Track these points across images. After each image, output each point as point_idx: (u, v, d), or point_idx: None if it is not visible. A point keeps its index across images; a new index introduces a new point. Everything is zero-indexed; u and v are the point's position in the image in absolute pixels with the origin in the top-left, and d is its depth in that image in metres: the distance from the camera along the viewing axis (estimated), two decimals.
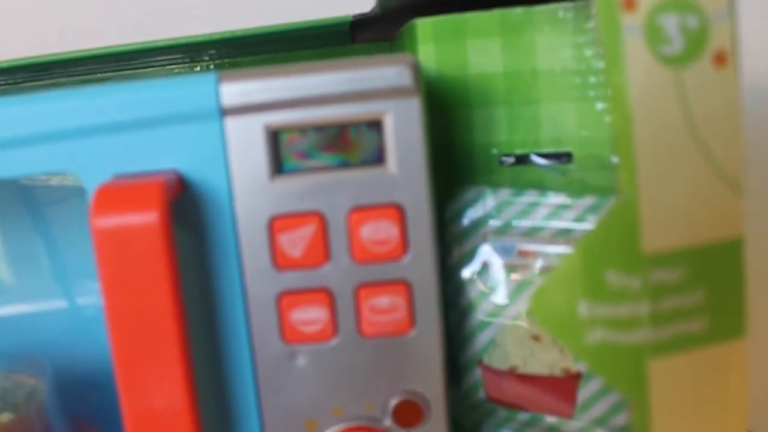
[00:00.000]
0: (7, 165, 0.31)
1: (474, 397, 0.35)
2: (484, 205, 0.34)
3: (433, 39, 0.36)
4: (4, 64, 0.42)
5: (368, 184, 0.30)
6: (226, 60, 0.48)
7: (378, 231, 0.30)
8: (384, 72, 0.30)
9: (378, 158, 0.31)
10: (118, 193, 0.29)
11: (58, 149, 0.31)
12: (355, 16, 0.39)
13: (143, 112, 0.30)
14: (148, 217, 0.28)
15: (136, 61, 0.46)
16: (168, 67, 0.48)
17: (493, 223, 0.34)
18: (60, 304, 0.44)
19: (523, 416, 0.34)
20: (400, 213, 0.30)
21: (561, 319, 0.26)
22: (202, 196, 0.30)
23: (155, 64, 0.47)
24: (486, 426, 0.35)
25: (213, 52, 0.46)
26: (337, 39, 0.46)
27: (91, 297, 0.44)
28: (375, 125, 0.30)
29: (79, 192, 0.43)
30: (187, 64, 0.48)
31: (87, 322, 0.44)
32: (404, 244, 0.31)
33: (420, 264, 0.31)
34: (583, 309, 0.26)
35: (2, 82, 0.46)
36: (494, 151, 0.35)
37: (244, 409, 0.32)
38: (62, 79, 0.47)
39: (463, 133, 0.36)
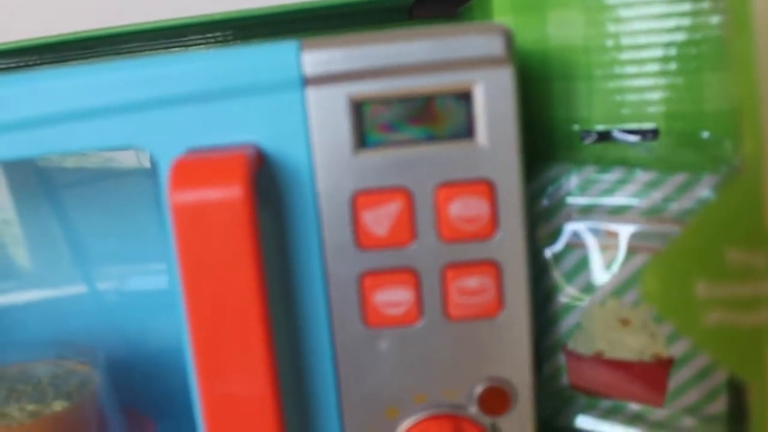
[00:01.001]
0: (71, 138, 0.29)
1: (555, 384, 0.34)
2: (567, 183, 0.33)
3: (511, 10, 0.34)
4: (49, 40, 0.40)
5: (457, 159, 0.29)
6: (273, 39, 0.46)
7: (467, 208, 0.29)
8: (474, 40, 0.28)
9: (467, 131, 0.29)
10: (198, 166, 0.27)
11: (127, 122, 0.29)
12: None
13: (219, 83, 0.29)
14: (231, 192, 0.26)
15: (184, 38, 0.44)
16: (213, 44, 0.47)
17: (578, 201, 0.32)
18: (110, 290, 0.43)
19: (605, 404, 0.33)
20: (490, 189, 0.29)
21: (675, 301, 0.24)
22: (282, 170, 0.29)
23: (200, 41, 0.46)
24: (565, 413, 0.34)
25: (259, 29, 0.45)
26: (394, 15, 0.44)
27: (146, 284, 0.42)
28: (463, 96, 0.29)
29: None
30: (230, 42, 0.47)
31: (139, 310, 0.42)
32: (494, 222, 0.29)
33: (510, 243, 0.29)
34: (701, 289, 0.24)
35: (50, 59, 0.44)
36: (575, 126, 0.34)
37: (322, 396, 0.30)
38: (109, 56, 0.45)
39: (542, 108, 0.34)
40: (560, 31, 0.34)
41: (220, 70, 0.29)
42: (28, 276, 0.43)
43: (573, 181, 0.33)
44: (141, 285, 0.42)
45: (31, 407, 0.38)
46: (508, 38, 0.29)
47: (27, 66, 0.47)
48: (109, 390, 0.40)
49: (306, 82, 0.28)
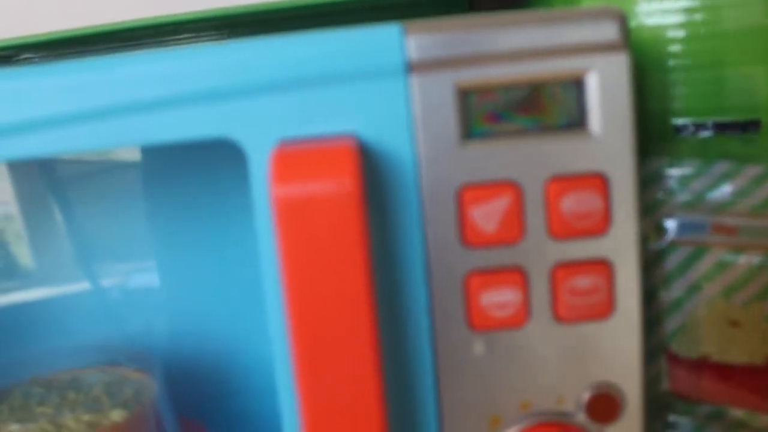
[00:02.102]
0: (155, 129, 0.27)
1: (655, 389, 0.32)
2: (667, 178, 0.31)
3: None
4: (82, 32, 0.38)
5: (568, 151, 0.27)
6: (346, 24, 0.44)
7: (580, 203, 0.27)
8: (588, 25, 0.27)
9: (579, 121, 0.27)
10: (303, 158, 0.25)
11: (215, 111, 0.27)
12: None
13: (314, 69, 0.27)
14: (340, 185, 0.24)
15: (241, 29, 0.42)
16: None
17: (680, 197, 0.31)
18: (162, 295, 0.40)
19: (705, 409, 0.31)
20: (604, 183, 0.27)
21: None
22: (384, 162, 0.27)
23: (264, 30, 0.44)
24: (662, 418, 0.32)
25: (312, 20, 0.43)
26: (453, 6, 0.43)
27: (200, 290, 0.40)
28: (575, 84, 0.27)
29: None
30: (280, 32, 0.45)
31: (192, 313, 0.40)
32: (607, 218, 0.27)
33: (623, 241, 0.28)
34: None
35: (91, 50, 0.42)
36: (673, 118, 0.32)
37: (422, 402, 0.28)
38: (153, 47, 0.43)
39: (637, 99, 0.33)
40: (654, 19, 0.32)
41: (316, 55, 0.27)
42: (75, 280, 0.41)
43: (673, 175, 0.31)
44: (193, 290, 0.40)
45: (87, 417, 0.35)
46: (623, 22, 0.27)
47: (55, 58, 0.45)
48: (166, 398, 0.38)
49: (410, 68, 0.27)
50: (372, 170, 0.27)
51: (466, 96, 0.27)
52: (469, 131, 0.27)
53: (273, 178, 0.24)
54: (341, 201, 0.24)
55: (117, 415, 0.35)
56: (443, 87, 0.27)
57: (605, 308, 0.28)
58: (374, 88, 0.27)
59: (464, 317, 0.28)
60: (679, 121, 0.32)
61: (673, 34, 0.31)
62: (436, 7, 0.43)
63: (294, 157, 0.25)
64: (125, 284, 0.40)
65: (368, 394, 0.25)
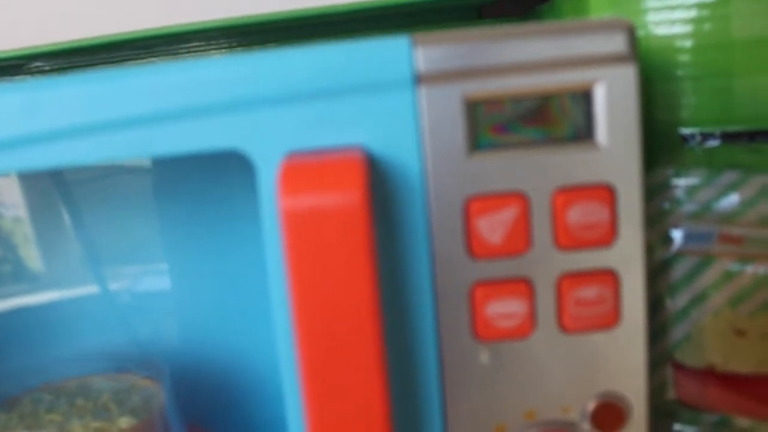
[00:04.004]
0: (163, 141, 0.27)
1: (660, 398, 0.32)
2: (674, 188, 0.31)
3: (610, 7, 0.33)
4: (91, 42, 0.38)
5: (575, 162, 0.27)
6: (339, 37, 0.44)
7: (586, 214, 0.27)
8: (596, 37, 0.27)
9: (586, 132, 0.27)
10: (311, 170, 0.25)
11: (224, 123, 0.27)
12: None
13: (323, 81, 0.27)
14: (348, 198, 0.24)
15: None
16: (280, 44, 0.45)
17: (687, 207, 0.31)
18: (168, 302, 0.41)
19: (710, 418, 0.31)
20: (611, 194, 0.27)
21: None
22: (391, 173, 0.27)
23: (274, 39, 0.44)
24: (667, 427, 0.32)
25: (321, 28, 0.43)
26: (463, 14, 0.43)
27: (207, 297, 0.40)
28: (582, 96, 0.27)
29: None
30: (292, 42, 0.45)
31: (200, 321, 0.41)
32: (613, 229, 0.27)
33: (628, 251, 0.28)
34: None
35: (102, 59, 0.42)
36: (680, 128, 0.32)
37: (427, 410, 0.29)
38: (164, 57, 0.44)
39: (644, 109, 0.33)
40: (663, 29, 0.32)
41: (325, 67, 0.27)
42: (84, 284, 0.41)
43: (680, 185, 0.31)
44: (202, 296, 0.40)
45: (95, 425, 0.36)
46: (631, 34, 0.27)
47: (72, 68, 0.45)
48: (174, 405, 0.38)
49: (418, 79, 0.27)
50: (379, 181, 0.27)
51: (473, 108, 0.27)
52: (476, 142, 0.27)
53: (281, 190, 0.25)
54: (348, 213, 0.25)
55: (125, 423, 0.35)
56: (451, 99, 0.27)
57: (611, 318, 0.28)
58: (382, 99, 0.27)
59: (470, 327, 0.28)
60: (687, 130, 0.32)
61: (681, 43, 0.32)
62: (445, 16, 0.43)
63: (302, 170, 0.25)
64: (133, 289, 0.41)
65: (374, 403, 0.26)
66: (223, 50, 0.45)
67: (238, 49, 0.45)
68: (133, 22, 0.38)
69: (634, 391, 0.29)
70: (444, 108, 0.27)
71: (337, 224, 0.25)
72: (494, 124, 0.27)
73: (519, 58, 0.27)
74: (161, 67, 0.28)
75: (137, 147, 0.27)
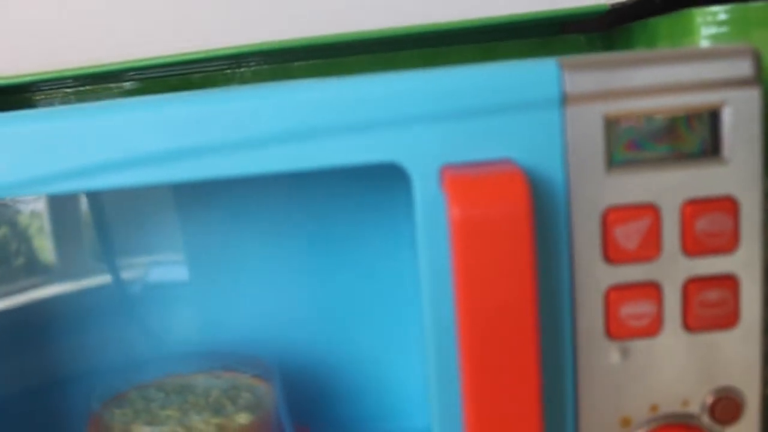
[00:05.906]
0: (324, 153, 0.30)
1: None
2: None
3: (715, 27, 0.35)
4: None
5: (703, 176, 0.30)
6: (428, 50, 0.46)
7: (712, 224, 0.30)
8: (724, 62, 0.29)
9: (712, 149, 0.30)
10: (478, 182, 0.27)
11: (383, 138, 0.29)
12: (613, 5, 0.38)
13: (477, 100, 0.29)
14: (514, 208, 0.27)
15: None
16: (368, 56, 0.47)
17: None
18: (272, 304, 0.43)
19: None
20: (734, 206, 0.30)
21: None
22: (537, 186, 0.29)
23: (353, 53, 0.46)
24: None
25: (413, 42, 0.45)
26: (546, 29, 0.45)
27: (318, 298, 0.42)
28: (710, 116, 0.30)
29: None
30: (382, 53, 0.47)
31: (304, 323, 0.43)
32: (736, 237, 0.30)
33: (749, 258, 0.30)
34: None
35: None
36: None
37: (561, 402, 0.31)
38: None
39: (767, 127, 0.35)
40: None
41: (478, 86, 0.29)
42: (176, 286, 0.43)
43: None
44: (298, 296, 0.42)
45: (215, 420, 0.37)
46: (756, 59, 0.30)
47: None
48: (285, 404, 0.40)
49: (565, 100, 0.29)
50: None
51: (612, 126, 0.30)
52: (612, 158, 0.30)
53: (451, 200, 0.27)
54: (514, 222, 0.27)
55: (243, 418, 0.37)
56: (593, 118, 0.29)
57: (731, 319, 0.31)
58: (531, 117, 0.29)
59: (603, 327, 0.30)
60: None
61: None
62: (527, 32, 0.45)
63: (470, 182, 0.27)
64: (228, 290, 0.42)
65: (529, 400, 0.28)
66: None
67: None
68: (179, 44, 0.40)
69: (750, 386, 0.31)
70: (586, 126, 0.29)
71: (504, 232, 0.27)
72: (628, 141, 0.30)
73: (654, 81, 0.29)
74: (322, 85, 0.30)
75: (299, 160, 0.30)
